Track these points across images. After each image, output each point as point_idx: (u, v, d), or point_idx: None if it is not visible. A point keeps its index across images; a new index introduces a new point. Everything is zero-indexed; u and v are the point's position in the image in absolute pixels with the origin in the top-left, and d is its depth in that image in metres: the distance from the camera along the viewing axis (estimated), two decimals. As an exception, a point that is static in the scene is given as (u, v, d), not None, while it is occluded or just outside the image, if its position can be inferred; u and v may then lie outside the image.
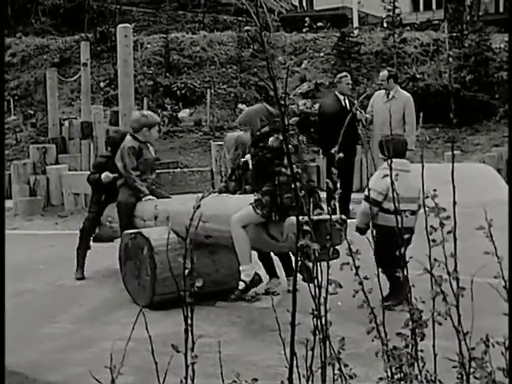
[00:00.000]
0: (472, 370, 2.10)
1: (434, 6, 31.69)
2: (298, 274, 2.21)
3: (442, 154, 13.74)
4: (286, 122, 2.03)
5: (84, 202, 11.22)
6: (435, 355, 2.19)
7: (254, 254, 5.49)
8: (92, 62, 16.70)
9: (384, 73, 9.20)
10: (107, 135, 12.40)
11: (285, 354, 2.10)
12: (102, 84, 20.01)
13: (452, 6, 19.69)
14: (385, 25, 20.75)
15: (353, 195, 9.51)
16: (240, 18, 24.85)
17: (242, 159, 5.72)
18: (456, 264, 2.14)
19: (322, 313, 2.11)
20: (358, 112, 8.78)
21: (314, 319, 2.13)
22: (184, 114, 18.13)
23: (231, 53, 20.45)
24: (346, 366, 2.18)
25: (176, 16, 26.81)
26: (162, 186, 9.46)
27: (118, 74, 11.29)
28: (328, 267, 2.14)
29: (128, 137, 6.35)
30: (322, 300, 2.11)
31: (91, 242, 6.77)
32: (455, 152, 12.72)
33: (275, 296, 5.45)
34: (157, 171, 7.06)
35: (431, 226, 2.14)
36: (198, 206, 2.15)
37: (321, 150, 11.30)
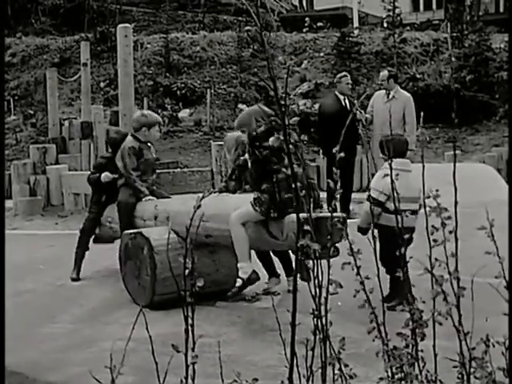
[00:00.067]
0: (472, 369, 2.10)
1: (434, 6, 31.69)
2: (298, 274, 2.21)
3: (442, 154, 13.74)
4: (287, 122, 2.03)
5: (84, 202, 11.21)
6: (435, 355, 2.19)
7: (254, 253, 5.50)
8: (92, 62, 16.70)
9: (384, 73, 9.20)
10: (108, 135, 12.41)
11: (285, 353, 2.10)
12: (102, 84, 20.01)
13: (452, 6, 19.69)
14: (385, 25, 20.75)
15: (353, 195, 9.51)
16: (240, 18, 24.84)
17: (241, 157, 5.74)
18: (457, 264, 2.14)
19: (323, 313, 2.11)
20: (357, 112, 8.78)
21: (315, 319, 2.13)
22: (184, 113, 18.13)
23: (231, 53, 20.44)
24: (346, 365, 2.18)
25: (176, 16, 26.80)
26: (162, 186, 9.46)
27: (118, 74, 11.29)
28: (329, 267, 2.14)
29: (129, 137, 6.35)
30: (323, 300, 2.11)
31: (91, 243, 6.77)
32: (455, 152, 12.72)
33: (275, 296, 5.45)
34: (157, 171, 7.05)
35: (433, 226, 2.14)
36: (199, 206, 2.15)
37: (321, 150, 11.30)
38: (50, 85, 14.92)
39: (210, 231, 5.06)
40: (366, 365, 3.45)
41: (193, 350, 2.04)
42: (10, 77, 20.63)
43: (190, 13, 28.03)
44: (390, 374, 2.17)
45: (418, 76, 16.58)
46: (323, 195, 5.85)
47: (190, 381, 2.06)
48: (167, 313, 4.96)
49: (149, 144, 6.39)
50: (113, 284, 6.10)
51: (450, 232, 2.14)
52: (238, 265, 5.08)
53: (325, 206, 5.71)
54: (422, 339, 2.19)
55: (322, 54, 19.65)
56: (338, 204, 2.28)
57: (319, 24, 22.31)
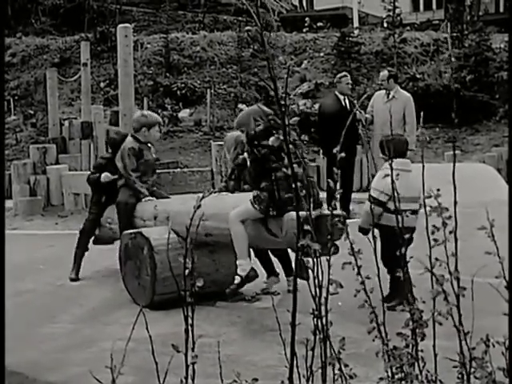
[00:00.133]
0: (472, 369, 2.10)
1: (434, 6, 31.69)
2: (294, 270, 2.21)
3: (442, 154, 13.74)
4: (287, 122, 2.03)
5: (84, 202, 11.21)
6: (436, 355, 2.19)
7: (252, 253, 5.49)
8: (92, 62, 16.69)
9: (384, 73, 9.20)
10: (108, 136, 12.41)
11: (285, 353, 2.10)
12: (102, 84, 20.01)
13: (452, 6, 19.69)
14: (385, 25, 20.74)
15: (353, 195, 9.51)
16: (240, 18, 24.84)
17: (240, 156, 5.75)
18: (457, 264, 2.14)
19: (323, 313, 2.11)
20: (357, 112, 8.78)
21: (315, 319, 2.12)
22: (184, 113, 18.12)
23: (231, 53, 20.44)
24: (346, 365, 2.18)
25: (176, 16, 26.79)
26: (162, 186, 9.45)
27: (118, 74, 11.28)
28: (329, 267, 2.14)
29: (129, 138, 6.34)
30: (323, 300, 2.11)
31: (91, 244, 6.77)
32: (455, 152, 12.73)
33: (275, 296, 5.45)
34: (157, 171, 7.05)
35: (433, 226, 2.14)
36: (199, 206, 2.15)
37: (321, 150, 11.30)
38: (50, 85, 14.92)
39: (209, 230, 5.06)
40: (366, 365, 3.45)
41: (193, 350, 2.04)
42: (10, 77, 20.63)
43: (190, 13, 28.02)
44: (390, 374, 2.17)
45: (418, 76, 16.58)
46: (323, 195, 5.85)
47: (189, 381, 2.06)
48: (167, 313, 4.96)
49: (149, 144, 6.38)
50: (113, 284, 6.10)
51: (450, 232, 2.14)
52: (237, 262, 5.10)
53: (325, 205, 5.71)
54: (422, 339, 2.19)
55: (322, 54, 19.64)
56: (338, 204, 2.28)
57: (319, 24, 22.31)
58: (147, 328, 2.14)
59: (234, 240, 4.99)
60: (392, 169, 2.38)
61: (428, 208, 2.18)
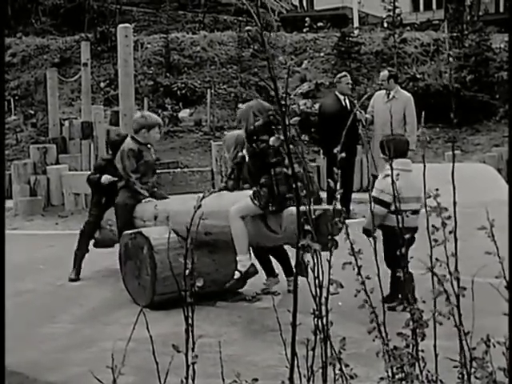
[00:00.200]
0: (473, 369, 2.10)
1: (434, 6, 31.70)
2: (294, 270, 2.21)
3: (443, 154, 13.74)
4: (287, 122, 2.03)
5: (84, 202, 11.21)
6: (436, 355, 2.19)
7: (252, 254, 5.49)
8: (92, 62, 16.69)
9: (384, 73, 9.21)
10: (108, 135, 12.41)
11: (286, 354, 2.09)
12: (102, 84, 20.01)
13: (452, 6, 19.69)
14: (385, 25, 20.74)
15: (353, 195, 9.52)
16: (240, 18, 24.85)
17: (239, 154, 5.75)
18: (457, 264, 2.14)
19: (323, 313, 2.11)
20: (357, 112, 8.78)
21: (315, 319, 2.12)
22: (184, 114, 18.12)
23: (231, 53, 20.45)
24: (346, 366, 2.18)
25: (176, 16, 26.80)
26: (163, 186, 9.46)
27: (119, 74, 11.28)
28: (329, 267, 2.14)
29: (128, 139, 6.33)
30: (323, 300, 2.11)
31: (92, 247, 6.77)
32: (455, 152, 12.74)
33: (276, 296, 5.45)
34: (157, 171, 7.04)
35: (433, 226, 2.14)
36: (199, 206, 2.15)
37: (321, 150, 11.30)
38: (51, 85, 14.93)
39: (208, 228, 5.05)
40: (367, 365, 3.45)
41: (193, 350, 2.04)
42: (10, 77, 20.64)
43: (191, 13, 28.03)
44: (390, 374, 2.17)
45: (418, 76, 16.58)
46: (323, 195, 5.85)
47: (190, 381, 2.06)
48: (167, 313, 4.96)
49: (149, 146, 6.36)
50: (113, 284, 6.10)
51: (450, 232, 2.14)
52: (237, 258, 5.10)
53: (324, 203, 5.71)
54: (423, 339, 2.19)
55: (322, 54, 19.65)
56: (338, 204, 2.27)
57: (319, 24, 22.30)
58: (148, 328, 2.14)
59: (234, 236, 5.00)
60: (392, 169, 2.38)
61: (428, 208, 2.18)
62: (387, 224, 4.87)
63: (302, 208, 2.11)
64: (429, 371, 2.18)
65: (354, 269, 2.19)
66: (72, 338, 4.80)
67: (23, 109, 18.87)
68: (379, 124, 8.87)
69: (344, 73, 9.70)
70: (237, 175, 5.81)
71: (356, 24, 24.30)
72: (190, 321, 2.04)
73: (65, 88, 19.41)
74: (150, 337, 2.13)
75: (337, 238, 2.55)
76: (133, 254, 5.56)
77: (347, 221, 2.32)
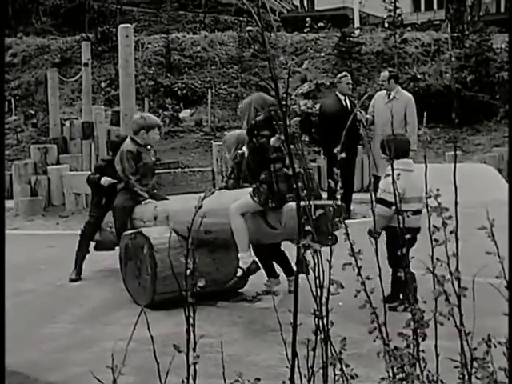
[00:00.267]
0: (474, 370, 2.10)
1: (435, 6, 31.72)
2: (295, 268, 2.21)
3: (443, 154, 13.73)
4: (288, 123, 2.03)
5: (85, 203, 11.21)
6: (437, 355, 2.19)
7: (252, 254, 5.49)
8: (93, 62, 16.70)
9: (385, 73, 9.21)
10: (109, 136, 12.41)
11: (286, 354, 2.09)
12: (103, 84, 20.01)
13: (453, 6, 19.68)
14: (386, 25, 20.74)
15: (354, 196, 9.51)
16: (241, 19, 24.84)
17: (239, 151, 5.75)
18: (458, 264, 2.14)
19: (324, 313, 2.11)
20: (358, 112, 8.78)
21: (316, 319, 2.12)
22: (185, 114, 18.12)
23: (232, 53, 20.44)
24: (347, 366, 2.18)
25: (177, 16, 26.80)
26: (163, 186, 9.46)
27: (119, 74, 11.28)
28: (330, 267, 2.14)
29: (127, 140, 6.31)
30: (324, 300, 2.11)
31: (93, 250, 6.76)
32: (456, 152, 12.73)
33: (276, 296, 5.45)
34: (157, 171, 7.03)
35: (434, 226, 2.14)
36: (200, 206, 2.14)
37: (322, 150, 11.30)
38: (51, 85, 14.93)
39: (208, 227, 5.03)
40: (368, 365, 3.45)
41: (194, 350, 2.04)
42: (10, 77, 20.64)
43: (191, 13, 28.04)
44: (391, 375, 2.17)
45: (418, 76, 16.57)
46: (324, 195, 5.84)
47: (191, 381, 2.06)
48: (168, 313, 4.95)
49: (148, 147, 6.33)
50: (113, 284, 6.10)
51: (451, 232, 2.14)
52: (239, 255, 5.12)
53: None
54: (423, 339, 2.19)
55: (322, 54, 19.64)
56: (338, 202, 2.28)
57: (320, 24, 22.27)
58: (148, 328, 2.14)
59: (234, 233, 5.00)
60: (393, 169, 2.38)
61: (429, 208, 2.19)
62: (393, 225, 4.85)
63: (302, 203, 2.11)
64: (429, 371, 2.18)
65: (354, 269, 2.19)
66: (72, 338, 4.80)
67: (24, 109, 18.87)
68: (380, 124, 8.87)
69: (344, 73, 9.70)
70: (237, 175, 5.81)
71: (357, 24, 24.30)
72: (191, 321, 2.04)
73: (65, 88, 19.42)
74: (151, 337, 2.13)
75: (337, 236, 2.55)
76: (133, 253, 5.56)
77: (347, 221, 2.32)
